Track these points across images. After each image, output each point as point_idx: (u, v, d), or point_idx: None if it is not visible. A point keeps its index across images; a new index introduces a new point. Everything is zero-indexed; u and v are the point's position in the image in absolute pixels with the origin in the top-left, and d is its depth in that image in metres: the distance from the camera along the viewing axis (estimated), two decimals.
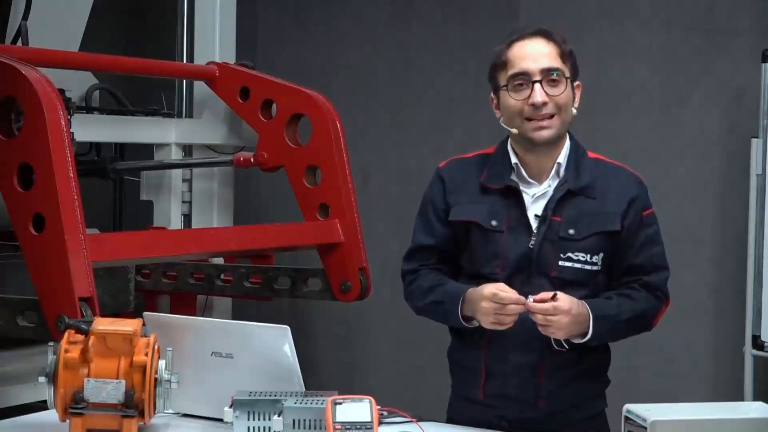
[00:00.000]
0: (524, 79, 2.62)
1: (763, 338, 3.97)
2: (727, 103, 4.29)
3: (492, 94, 2.74)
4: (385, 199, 4.97)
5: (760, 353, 3.98)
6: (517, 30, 2.71)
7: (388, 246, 4.83)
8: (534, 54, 2.63)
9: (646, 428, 2.19)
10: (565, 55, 2.66)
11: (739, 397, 4.05)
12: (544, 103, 2.60)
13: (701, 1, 4.34)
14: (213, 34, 4.44)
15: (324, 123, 3.94)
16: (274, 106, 4.07)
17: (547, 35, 2.67)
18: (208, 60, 4.32)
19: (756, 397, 3.96)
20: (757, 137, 3.99)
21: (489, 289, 2.56)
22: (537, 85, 2.60)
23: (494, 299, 2.54)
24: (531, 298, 2.52)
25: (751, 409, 2.42)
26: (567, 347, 2.63)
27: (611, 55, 4.44)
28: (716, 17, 4.32)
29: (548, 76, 2.61)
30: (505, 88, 2.65)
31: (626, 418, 2.27)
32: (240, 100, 4.14)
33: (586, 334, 2.58)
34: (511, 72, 2.64)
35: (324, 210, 3.96)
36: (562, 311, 2.51)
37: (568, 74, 2.64)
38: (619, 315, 2.62)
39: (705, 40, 4.33)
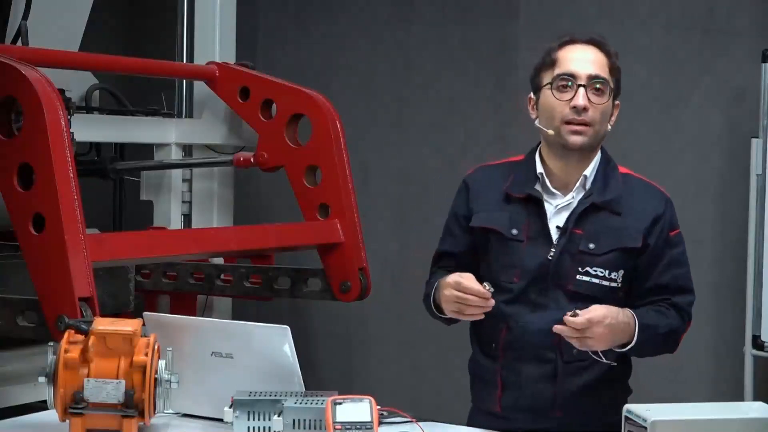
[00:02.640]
0: (570, 80, 2.61)
1: (763, 338, 3.97)
2: (727, 103, 4.29)
3: (531, 94, 2.73)
4: (385, 199, 4.97)
5: (760, 353, 3.99)
6: (570, 33, 2.72)
7: (388, 246, 4.83)
8: (584, 59, 2.64)
9: (646, 428, 2.19)
10: (613, 69, 2.67)
11: (739, 397, 4.05)
12: (585, 109, 2.59)
13: (701, 1, 4.35)
14: (213, 34, 4.44)
15: (324, 123, 3.94)
16: (274, 106, 4.07)
17: (600, 45, 2.67)
18: (208, 60, 4.32)
19: (756, 397, 3.96)
20: (757, 137, 4.00)
21: (453, 276, 2.58)
22: (581, 89, 2.60)
23: (456, 287, 2.55)
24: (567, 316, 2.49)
25: (751, 409, 2.42)
26: (604, 358, 2.62)
27: None
28: (716, 17, 4.32)
29: (594, 83, 2.61)
30: (549, 86, 2.64)
31: (626, 418, 2.27)
32: (240, 100, 4.14)
33: (625, 344, 2.58)
34: (557, 72, 2.64)
35: (324, 210, 3.96)
36: (595, 322, 2.49)
37: (612, 86, 2.64)
38: (658, 327, 2.62)
39: (705, 40, 4.33)
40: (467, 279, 2.56)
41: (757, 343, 3.99)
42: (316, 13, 5.19)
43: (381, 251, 4.59)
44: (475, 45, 4.78)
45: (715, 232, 4.32)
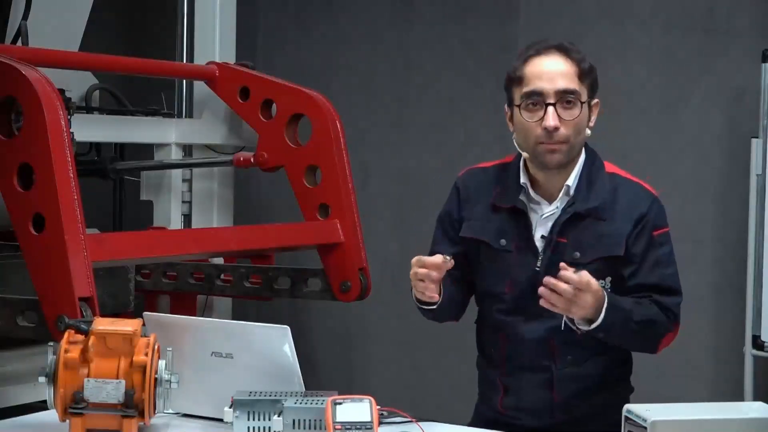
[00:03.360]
0: (538, 99, 2.56)
1: (763, 338, 3.97)
2: (727, 103, 4.29)
3: (506, 107, 2.68)
4: (385, 199, 4.97)
5: (760, 353, 3.98)
6: (535, 43, 2.65)
7: (388, 246, 4.83)
8: (550, 73, 2.56)
9: (646, 428, 2.19)
10: (584, 75, 2.60)
11: (739, 397, 4.05)
12: (556, 128, 2.55)
13: (701, 1, 4.34)
14: (213, 34, 4.44)
15: (324, 123, 3.94)
16: (274, 106, 4.07)
17: (566, 52, 2.60)
18: (208, 60, 4.32)
19: (756, 397, 3.96)
20: (757, 137, 3.99)
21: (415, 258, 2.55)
22: (551, 109, 2.54)
23: (417, 264, 2.52)
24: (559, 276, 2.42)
25: (751, 409, 2.42)
26: (578, 330, 2.54)
27: (611, 55, 4.44)
28: (716, 17, 4.32)
29: (564, 98, 2.56)
30: (518, 107, 2.60)
31: (626, 418, 2.27)
32: (240, 100, 4.14)
33: (593, 321, 2.49)
34: (525, 90, 2.58)
35: (324, 210, 3.96)
36: (591, 289, 2.42)
37: (584, 98, 2.59)
38: (632, 314, 2.55)
39: (705, 40, 4.33)
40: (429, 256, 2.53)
41: (757, 343, 3.99)
42: (316, 13, 5.19)
43: (381, 251, 4.59)
44: (475, 45, 4.78)
45: (715, 232, 4.32)
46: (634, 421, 2.23)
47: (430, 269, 2.52)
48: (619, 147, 4.16)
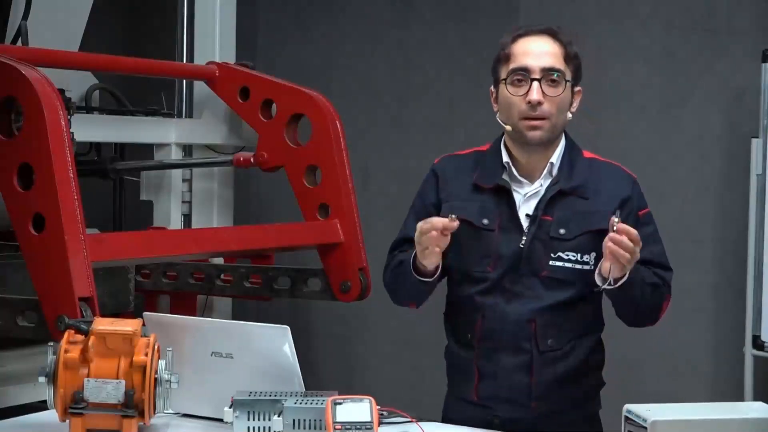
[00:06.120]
0: (524, 75, 2.62)
1: (763, 338, 3.97)
2: (727, 103, 4.29)
3: (492, 87, 2.74)
4: (385, 199, 4.97)
5: (760, 353, 3.99)
6: (525, 25, 2.71)
7: (388, 246, 4.83)
8: (537, 52, 2.64)
9: (646, 428, 2.19)
10: (569, 58, 2.66)
11: (739, 397, 4.05)
12: (540, 103, 2.60)
13: (701, 1, 4.35)
14: (213, 34, 4.44)
15: (324, 123, 3.94)
16: (274, 106, 4.07)
17: (553, 35, 2.67)
18: (208, 60, 4.32)
19: (756, 397, 3.96)
20: (757, 137, 4.00)
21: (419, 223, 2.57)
22: (535, 83, 2.61)
23: (424, 225, 2.52)
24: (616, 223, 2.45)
25: (751, 409, 2.42)
26: (604, 287, 2.55)
27: (611, 55, 4.44)
28: (716, 17, 4.32)
29: (548, 75, 2.62)
30: (504, 81, 2.66)
31: (626, 418, 2.27)
32: (240, 100, 4.14)
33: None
34: (512, 66, 2.64)
35: (324, 210, 3.96)
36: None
37: (568, 77, 2.65)
38: (645, 277, 2.60)
39: (705, 40, 4.33)
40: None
41: (757, 343, 3.99)
42: (316, 13, 5.19)
43: (381, 251, 4.57)
44: (475, 45, 4.78)
45: (715, 232, 4.32)
46: (634, 421, 2.23)
47: (438, 230, 2.51)
48: (619, 147, 4.16)
